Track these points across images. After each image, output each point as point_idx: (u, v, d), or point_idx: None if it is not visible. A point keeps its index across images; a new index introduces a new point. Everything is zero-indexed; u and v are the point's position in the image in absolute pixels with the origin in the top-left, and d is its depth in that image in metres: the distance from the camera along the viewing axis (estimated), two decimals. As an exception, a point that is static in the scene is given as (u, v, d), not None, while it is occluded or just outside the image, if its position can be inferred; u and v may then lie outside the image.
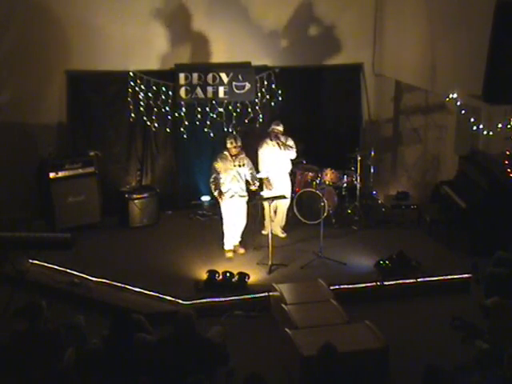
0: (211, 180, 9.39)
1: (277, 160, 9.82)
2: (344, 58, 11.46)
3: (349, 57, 11.49)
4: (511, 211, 9.12)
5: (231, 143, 9.28)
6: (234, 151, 9.31)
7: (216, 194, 9.39)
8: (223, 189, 9.36)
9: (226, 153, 9.36)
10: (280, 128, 9.78)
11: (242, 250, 9.67)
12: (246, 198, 9.59)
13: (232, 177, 9.37)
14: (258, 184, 9.59)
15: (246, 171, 9.46)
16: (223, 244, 9.58)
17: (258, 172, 9.75)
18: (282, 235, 10.13)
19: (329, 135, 11.51)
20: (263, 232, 9.96)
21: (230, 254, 9.53)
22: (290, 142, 9.83)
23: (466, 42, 8.96)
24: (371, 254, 9.38)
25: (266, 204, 9.81)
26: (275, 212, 10.10)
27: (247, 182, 9.55)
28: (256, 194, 9.66)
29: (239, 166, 9.37)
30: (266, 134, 9.91)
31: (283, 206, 10.07)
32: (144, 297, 8.49)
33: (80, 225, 10.24)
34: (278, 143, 9.73)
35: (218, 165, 9.36)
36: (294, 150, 9.85)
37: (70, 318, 6.82)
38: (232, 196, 9.40)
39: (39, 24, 10.26)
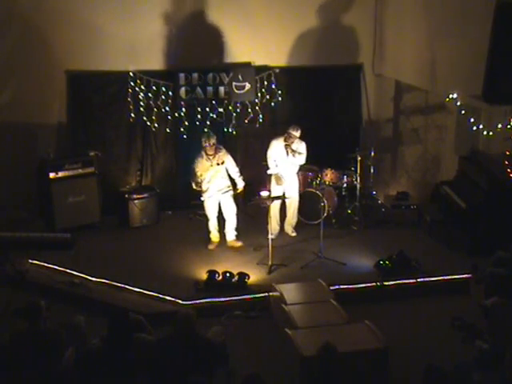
0: (191, 181, 9.56)
1: (285, 160, 9.80)
2: (344, 58, 11.47)
3: (349, 57, 11.49)
4: (511, 211, 9.12)
5: (204, 141, 9.36)
6: (209, 150, 9.36)
7: (194, 185, 9.53)
8: (203, 187, 9.52)
9: (202, 152, 9.43)
10: (296, 133, 9.62)
11: (238, 243, 9.72)
12: (231, 193, 9.67)
13: (212, 175, 9.46)
14: (242, 185, 9.66)
15: (228, 168, 9.55)
16: (209, 233, 9.78)
17: (256, 173, 9.82)
18: (293, 234, 10.15)
19: (329, 135, 11.50)
20: (270, 236, 9.42)
21: (211, 246, 9.75)
22: (302, 148, 9.75)
23: (466, 42, 8.96)
24: (371, 254, 9.38)
25: (271, 206, 9.64)
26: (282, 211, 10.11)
27: (232, 180, 9.66)
28: (256, 194, 9.70)
29: (217, 164, 9.42)
30: (282, 133, 9.81)
31: (292, 204, 10.05)
32: (144, 297, 8.49)
33: (80, 225, 10.24)
34: (287, 149, 9.67)
35: (196, 166, 9.48)
36: (304, 156, 9.78)
37: (70, 318, 6.82)
38: (212, 195, 9.53)
39: (39, 24, 10.27)
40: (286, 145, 9.67)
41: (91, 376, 5.73)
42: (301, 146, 9.78)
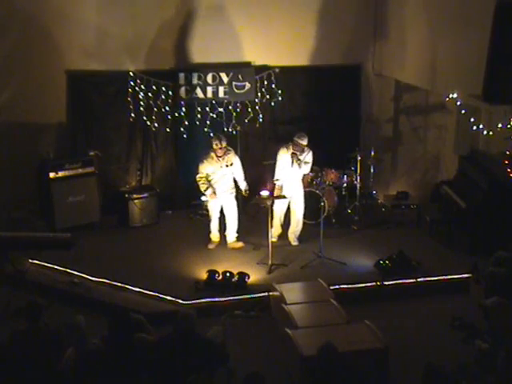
0: (197, 179, 9.49)
1: (291, 169, 9.60)
2: (344, 58, 11.46)
3: (349, 57, 11.49)
4: (511, 211, 9.12)
5: (216, 144, 9.31)
6: (219, 152, 9.34)
7: (208, 193, 9.48)
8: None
9: (212, 153, 9.40)
10: (302, 142, 9.44)
11: (239, 244, 9.74)
12: (234, 194, 9.67)
13: (220, 176, 9.45)
14: (247, 189, 9.61)
15: (235, 170, 9.52)
16: (209, 232, 9.77)
17: (255, 174, 9.77)
18: (294, 243, 9.92)
19: (329, 135, 11.50)
20: (273, 240, 9.54)
21: (211, 246, 9.75)
22: (308, 158, 9.57)
23: (466, 42, 8.95)
24: (371, 253, 9.38)
25: (275, 210, 9.59)
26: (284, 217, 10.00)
27: (236, 184, 9.64)
28: (256, 194, 9.68)
29: (226, 165, 9.40)
30: (290, 140, 9.60)
31: (296, 213, 9.85)
32: (144, 297, 8.50)
33: (80, 225, 10.24)
34: (292, 159, 9.46)
35: (203, 166, 9.44)
36: (309, 165, 9.62)
37: (70, 318, 6.82)
38: (217, 192, 9.50)
39: (39, 24, 10.26)
40: (292, 153, 9.46)
41: (91, 376, 5.73)
42: (308, 156, 9.58)
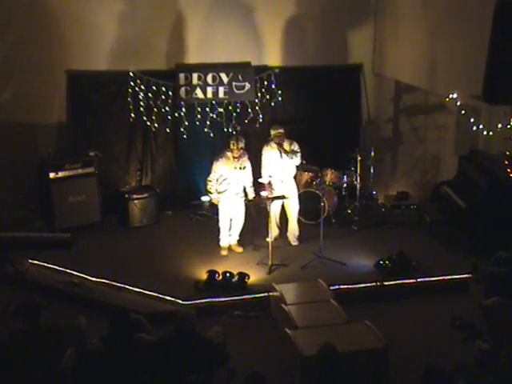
0: (208, 179, 9.46)
1: (281, 165, 9.65)
2: (344, 58, 11.47)
3: (349, 57, 11.50)
4: (511, 211, 9.12)
5: (233, 144, 9.26)
6: (235, 153, 9.29)
7: (212, 196, 9.46)
8: (221, 188, 9.40)
9: (228, 153, 9.36)
10: (281, 131, 9.56)
11: (240, 249, 9.69)
12: (244, 198, 9.61)
13: (232, 178, 9.39)
14: (254, 194, 9.56)
15: (246, 175, 9.46)
16: (219, 240, 9.65)
17: (259, 176, 9.69)
18: (294, 243, 9.94)
19: (329, 135, 11.50)
20: (267, 239, 9.41)
21: (224, 252, 9.61)
22: (295, 147, 9.64)
23: (465, 42, 8.95)
24: (371, 254, 9.38)
25: (271, 210, 9.53)
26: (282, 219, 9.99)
27: (245, 189, 9.57)
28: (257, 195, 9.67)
29: (240, 168, 9.37)
30: (270, 138, 9.69)
31: (292, 212, 9.87)
32: (144, 297, 8.50)
33: (80, 225, 10.24)
34: (280, 150, 9.53)
35: (217, 165, 9.38)
36: (299, 155, 9.66)
37: (71, 318, 6.81)
38: (228, 193, 9.41)
39: (39, 24, 10.27)
40: (278, 144, 9.50)
41: (91, 376, 5.72)
42: (294, 145, 9.64)
